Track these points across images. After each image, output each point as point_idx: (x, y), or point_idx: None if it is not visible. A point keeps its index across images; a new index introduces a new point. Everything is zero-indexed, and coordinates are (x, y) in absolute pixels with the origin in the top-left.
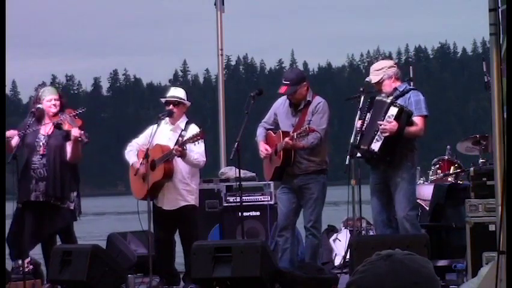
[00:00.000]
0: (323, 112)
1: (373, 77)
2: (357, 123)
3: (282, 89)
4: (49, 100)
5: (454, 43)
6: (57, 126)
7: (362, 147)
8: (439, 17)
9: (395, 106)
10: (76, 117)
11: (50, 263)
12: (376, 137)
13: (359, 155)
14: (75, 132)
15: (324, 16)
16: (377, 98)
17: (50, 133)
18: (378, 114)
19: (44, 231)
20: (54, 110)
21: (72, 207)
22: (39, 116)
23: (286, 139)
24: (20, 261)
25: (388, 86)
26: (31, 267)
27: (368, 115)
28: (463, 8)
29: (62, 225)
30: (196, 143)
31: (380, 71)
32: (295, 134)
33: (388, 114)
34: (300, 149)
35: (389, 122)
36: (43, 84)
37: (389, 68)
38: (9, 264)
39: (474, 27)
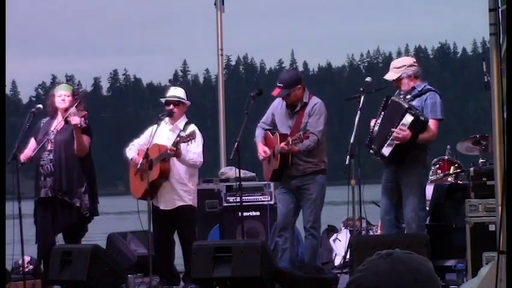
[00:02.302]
0: (319, 113)
1: (391, 74)
2: (372, 122)
3: (275, 92)
4: (59, 95)
5: (454, 43)
6: (66, 121)
7: (373, 146)
8: (439, 17)
9: (411, 114)
10: (82, 110)
11: (50, 263)
12: (388, 141)
13: (372, 151)
14: (75, 120)
15: (324, 16)
16: (393, 98)
17: (59, 129)
18: (393, 118)
19: (54, 228)
20: (62, 105)
21: (78, 204)
22: (53, 113)
23: (282, 144)
24: (20, 261)
25: (406, 85)
26: (31, 267)
27: (382, 114)
28: (463, 8)
29: (68, 223)
30: (192, 142)
31: (400, 69)
32: (290, 139)
33: (403, 121)
34: (296, 152)
35: (402, 131)
36: (43, 84)
37: (408, 66)
38: (9, 264)
39: (474, 27)
